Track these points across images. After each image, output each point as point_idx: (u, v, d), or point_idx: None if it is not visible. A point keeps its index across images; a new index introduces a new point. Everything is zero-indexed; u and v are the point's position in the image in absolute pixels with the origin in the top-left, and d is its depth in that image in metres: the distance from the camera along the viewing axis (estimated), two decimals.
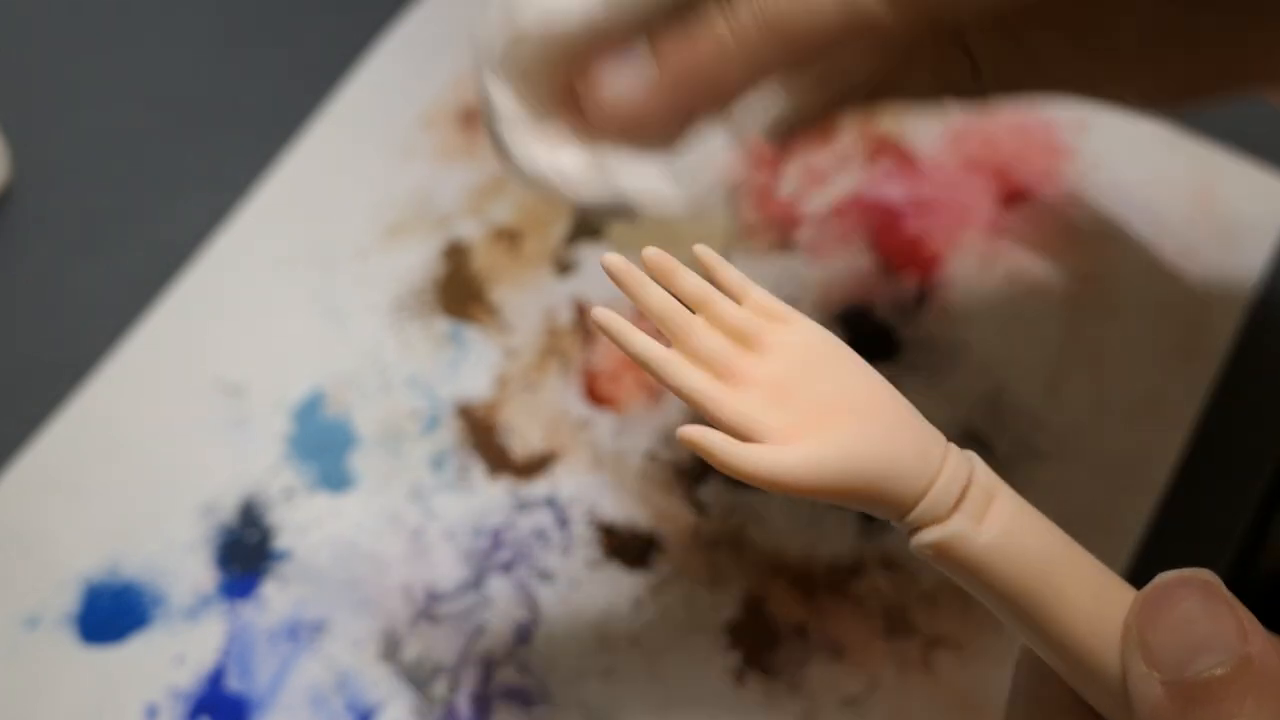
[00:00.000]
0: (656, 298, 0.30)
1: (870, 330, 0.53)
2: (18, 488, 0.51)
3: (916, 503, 0.27)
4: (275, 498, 0.50)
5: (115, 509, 0.51)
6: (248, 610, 0.49)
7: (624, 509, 0.50)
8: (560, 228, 0.55)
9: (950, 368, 0.52)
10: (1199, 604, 0.26)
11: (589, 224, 0.55)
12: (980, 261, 0.54)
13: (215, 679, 0.47)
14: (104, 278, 0.55)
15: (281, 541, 0.50)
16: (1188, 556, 0.49)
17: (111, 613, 0.49)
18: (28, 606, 0.49)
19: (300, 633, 0.48)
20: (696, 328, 0.29)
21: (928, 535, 0.27)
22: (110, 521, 0.50)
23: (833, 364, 0.29)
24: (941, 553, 0.28)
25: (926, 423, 0.29)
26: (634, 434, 0.51)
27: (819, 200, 0.56)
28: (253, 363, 0.53)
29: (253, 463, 0.51)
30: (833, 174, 0.56)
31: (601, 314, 0.29)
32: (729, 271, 0.30)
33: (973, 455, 0.29)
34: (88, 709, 0.47)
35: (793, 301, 0.50)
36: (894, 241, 0.55)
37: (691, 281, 0.30)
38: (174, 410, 0.53)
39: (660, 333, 0.30)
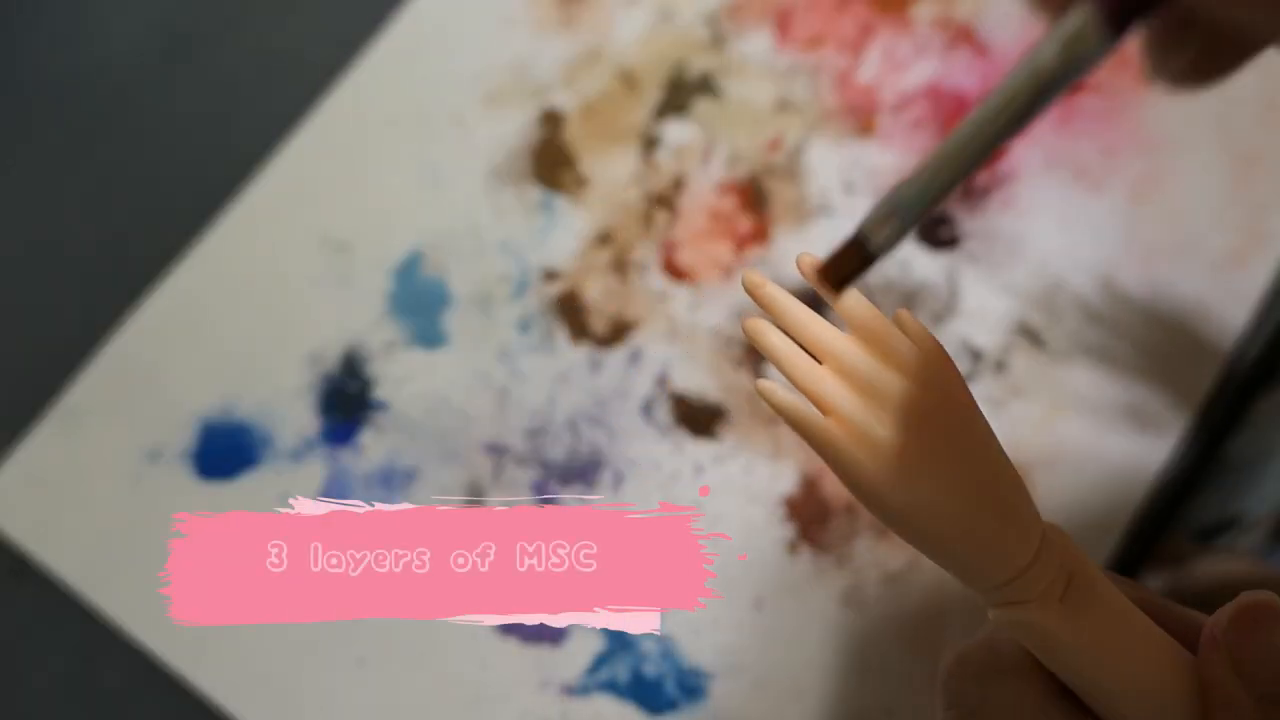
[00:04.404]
0: (792, 359, 0.30)
1: (934, 220, 0.53)
2: (146, 326, 0.55)
3: (1003, 584, 0.27)
4: (375, 351, 0.54)
5: (230, 353, 0.54)
6: (346, 455, 0.52)
7: (695, 380, 0.52)
8: (649, 103, 0.57)
9: (1010, 260, 0.53)
10: None
11: (675, 101, 0.57)
12: (1046, 157, 0.54)
13: None
14: (231, 118, 0.59)
15: (380, 392, 0.53)
16: (1228, 453, 0.51)
17: (225, 451, 0.53)
18: (151, 440, 0.53)
19: (394, 479, 0.52)
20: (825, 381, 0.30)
21: (1008, 614, 0.28)
22: (226, 364, 0.54)
23: (952, 423, 0.28)
24: (1018, 631, 0.28)
25: (1029, 500, 0.28)
26: (709, 308, 0.53)
27: (896, 87, 0.56)
28: (358, 221, 0.56)
29: (356, 317, 0.54)
30: (911, 61, 0.57)
31: (751, 325, 0.30)
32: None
33: (1061, 533, 0.28)
34: None
35: (857, 187, 0.51)
36: None
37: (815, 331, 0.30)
38: (286, 263, 0.56)
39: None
